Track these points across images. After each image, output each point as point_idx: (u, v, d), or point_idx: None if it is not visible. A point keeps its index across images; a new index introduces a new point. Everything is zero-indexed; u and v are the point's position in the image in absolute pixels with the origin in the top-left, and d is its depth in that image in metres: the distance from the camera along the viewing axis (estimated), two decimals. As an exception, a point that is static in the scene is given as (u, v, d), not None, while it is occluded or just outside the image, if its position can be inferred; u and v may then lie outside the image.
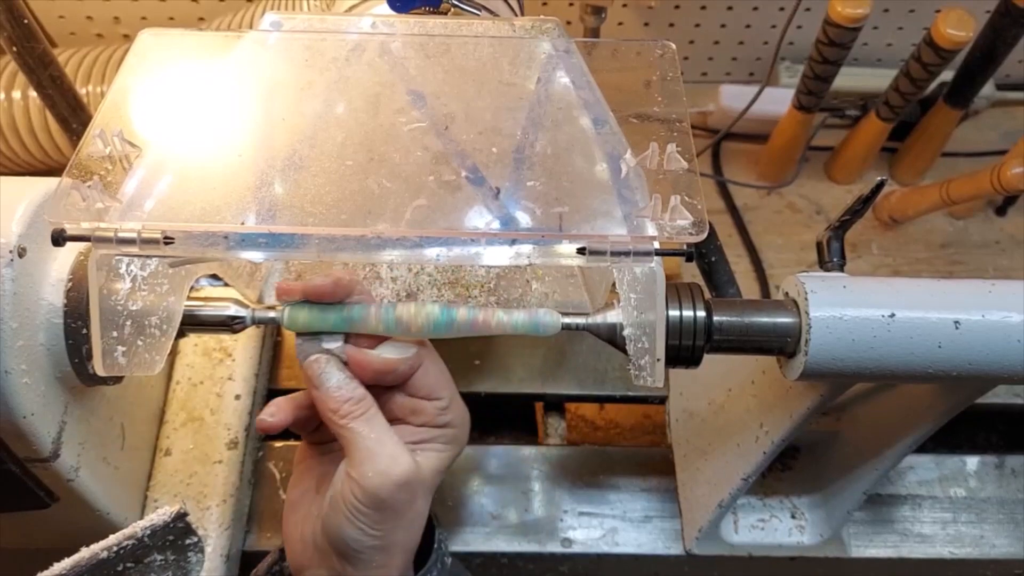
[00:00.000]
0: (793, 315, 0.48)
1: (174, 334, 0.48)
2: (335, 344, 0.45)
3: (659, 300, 0.45)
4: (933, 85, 0.87)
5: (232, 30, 0.81)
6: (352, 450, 0.44)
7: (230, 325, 0.48)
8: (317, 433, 0.50)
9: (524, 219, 0.44)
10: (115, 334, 0.45)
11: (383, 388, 0.47)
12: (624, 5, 0.96)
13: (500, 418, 0.85)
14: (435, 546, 0.52)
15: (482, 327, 0.45)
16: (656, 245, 0.43)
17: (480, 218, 0.44)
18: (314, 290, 0.44)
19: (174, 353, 0.73)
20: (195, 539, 0.48)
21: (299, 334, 0.45)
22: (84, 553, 0.43)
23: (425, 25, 0.54)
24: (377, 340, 0.46)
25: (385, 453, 0.44)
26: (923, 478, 0.77)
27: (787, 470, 0.73)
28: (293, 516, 0.50)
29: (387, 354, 0.45)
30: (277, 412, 0.47)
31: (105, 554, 0.44)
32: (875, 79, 0.97)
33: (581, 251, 0.43)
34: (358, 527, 0.44)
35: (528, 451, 0.76)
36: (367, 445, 0.44)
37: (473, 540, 0.72)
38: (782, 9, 0.97)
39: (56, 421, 0.50)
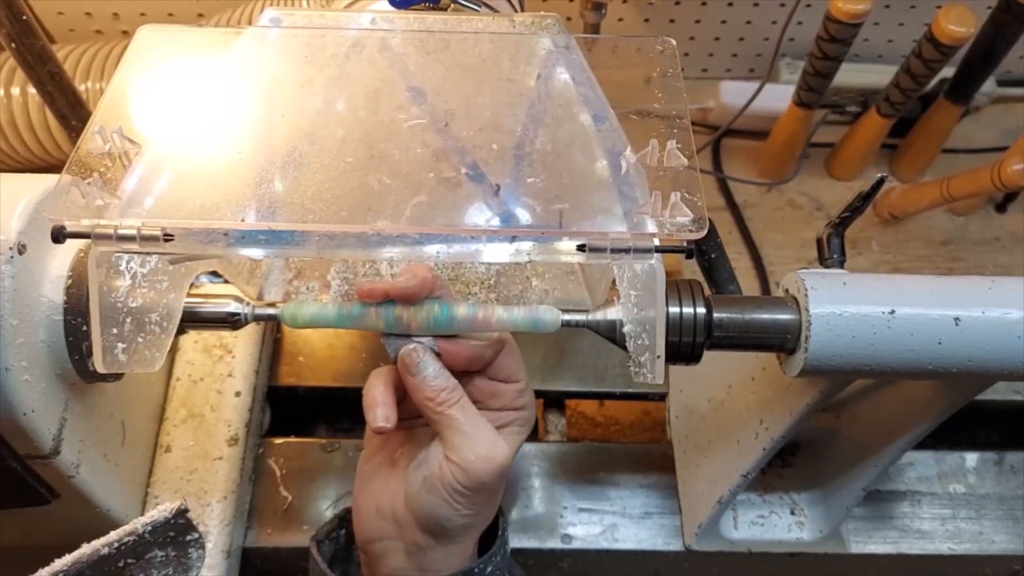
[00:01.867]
0: (793, 312, 0.48)
1: (174, 331, 0.48)
2: (425, 338, 0.46)
3: (659, 297, 0.45)
4: (934, 81, 0.87)
5: (231, 26, 0.81)
6: (450, 435, 0.46)
7: (230, 322, 0.48)
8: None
9: (524, 216, 0.44)
10: (115, 331, 0.45)
11: (464, 374, 0.48)
12: (624, 1, 0.96)
13: (500, 414, 0.85)
14: (499, 532, 0.53)
15: (482, 324, 0.46)
16: (656, 242, 0.43)
17: (480, 215, 0.44)
18: (401, 292, 0.44)
19: (174, 350, 0.73)
20: (196, 535, 0.47)
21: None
22: (85, 549, 0.43)
23: (425, 21, 0.54)
24: None
25: (484, 439, 0.46)
26: (922, 474, 0.77)
27: (787, 467, 0.74)
28: (367, 488, 0.51)
29: (474, 340, 0.47)
30: (390, 415, 0.46)
31: (106, 550, 0.44)
32: (876, 75, 0.97)
33: (581, 248, 0.43)
34: (455, 507, 0.46)
35: (528, 447, 0.76)
36: (466, 431, 0.45)
37: (473, 536, 0.72)
38: (783, 5, 0.97)
39: (56, 418, 0.50)
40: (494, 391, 0.49)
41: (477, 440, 0.45)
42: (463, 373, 0.48)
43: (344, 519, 0.55)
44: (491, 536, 0.53)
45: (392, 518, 0.49)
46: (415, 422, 0.51)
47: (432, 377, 0.45)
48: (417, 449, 0.49)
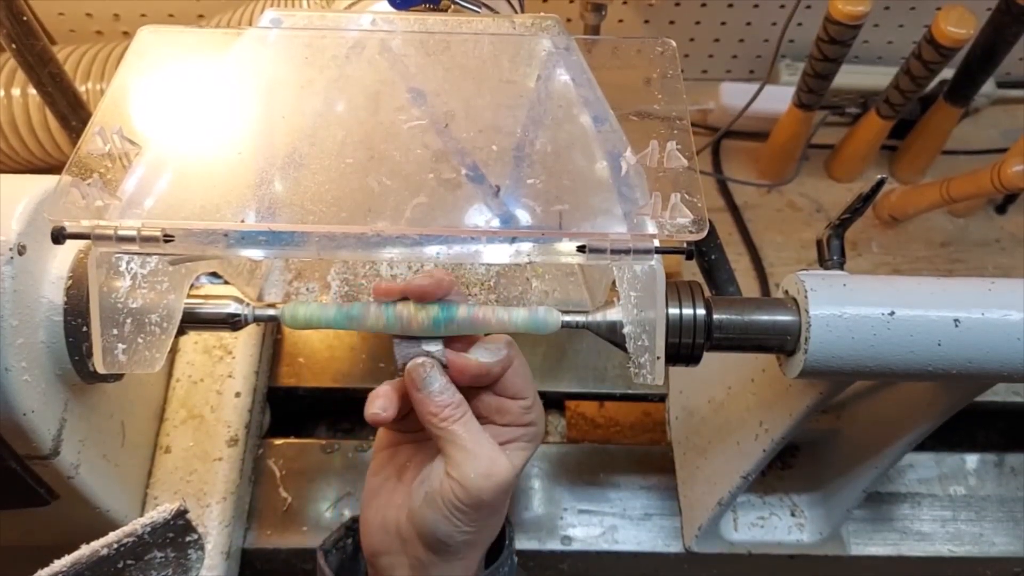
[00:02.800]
0: (793, 313, 0.48)
1: (174, 332, 0.48)
2: (435, 347, 0.46)
3: (659, 298, 0.45)
4: (934, 83, 0.87)
5: (232, 27, 0.81)
6: (452, 451, 0.45)
7: (230, 323, 0.48)
8: (402, 422, 0.51)
9: (524, 217, 0.44)
10: (115, 332, 0.45)
11: (471, 388, 0.48)
12: (624, 2, 0.96)
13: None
14: (506, 543, 0.53)
15: (482, 325, 0.45)
16: (656, 243, 0.43)
17: (480, 216, 0.44)
18: (416, 289, 0.44)
19: (174, 351, 0.73)
20: (195, 536, 0.47)
21: (397, 336, 0.45)
22: (84, 550, 0.43)
23: (425, 22, 0.54)
24: (470, 342, 0.47)
25: (485, 455, 0.45)
26: (923, 476, 0.77)
27: (787, 468, 0.74)
28: (374, 502, 0.50)
29: (482, 358, 0.46)
30: (389, 406, 0.47)
31: (105, 551, 0.44)
32: (875, 77, 0.97)
33: (581, 249, 0.43)
34: (455, 524, 0.46)
35: (528, 449, 0.76)
36: (467, 447, 0.45)
37: (473, 538, 0.72)
38: (783, 7, 0.97)
39: (56, 418, 0.50)
40: (500, 407, 0.49)
41: (478, 457, 0.45)
42: (470, 388, 0.48)
43: (351, 528, 0.55)
44: (499, 545, 0.53)
45: (396, 533, 0.49)
46: (422, 435, 0.51)
47: (437, 392, 0.45)
48: (424, 464, 0.49)
